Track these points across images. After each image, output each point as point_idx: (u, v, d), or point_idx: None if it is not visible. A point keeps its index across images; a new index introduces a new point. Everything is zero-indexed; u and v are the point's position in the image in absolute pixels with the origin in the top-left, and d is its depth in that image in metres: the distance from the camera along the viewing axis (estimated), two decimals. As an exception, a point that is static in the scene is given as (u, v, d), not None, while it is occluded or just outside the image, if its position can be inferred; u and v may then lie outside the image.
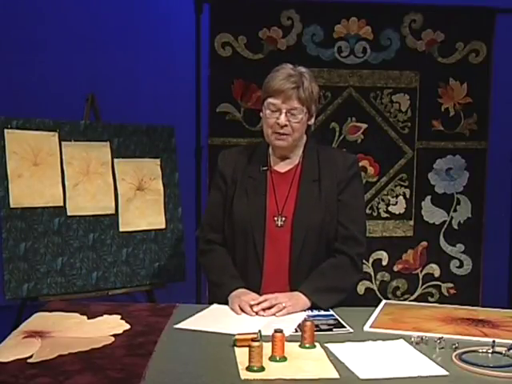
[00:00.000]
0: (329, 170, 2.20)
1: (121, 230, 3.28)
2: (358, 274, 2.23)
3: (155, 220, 3.39)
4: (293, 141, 2.17)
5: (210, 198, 2.37)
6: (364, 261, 3.57)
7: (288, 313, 2.00)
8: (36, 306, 2.20)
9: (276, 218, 2.18)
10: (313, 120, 2.22)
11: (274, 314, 1.99)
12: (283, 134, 2.14)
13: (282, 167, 2.24)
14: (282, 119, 2.11)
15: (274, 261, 2.18)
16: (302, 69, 2.18)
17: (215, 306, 2.12)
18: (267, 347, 1.59)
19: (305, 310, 2.05)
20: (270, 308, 2.00)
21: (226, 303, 2.10)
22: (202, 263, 2.38)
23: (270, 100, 2.13)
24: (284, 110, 2.11)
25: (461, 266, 3.77)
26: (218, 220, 2.28)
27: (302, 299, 2.07)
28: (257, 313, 1.99)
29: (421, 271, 3.76)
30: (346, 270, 2.17)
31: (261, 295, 2.09)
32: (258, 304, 2.01)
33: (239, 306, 2.03)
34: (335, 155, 2.27)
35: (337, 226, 2.19)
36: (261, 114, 2.21)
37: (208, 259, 2.30)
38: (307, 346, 1.70)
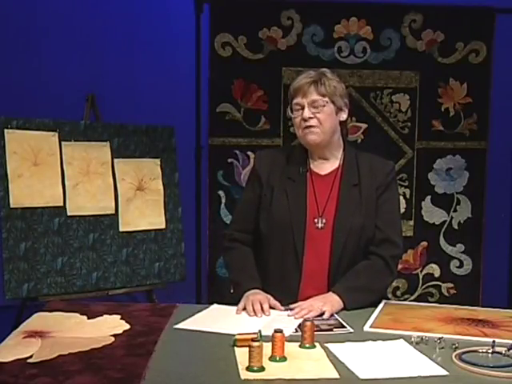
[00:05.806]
0: (368, 175, 2.21)
1: (121, 229, 3.28)
2: (391, 276, 2.24)
3: (155, 220, 3.39)
4: (323, 134, 2.15)
5: (243, 198, 2.37)
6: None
7: (329, 315, 1.99)
8: (36, 306, 2.20)
9: (316, 220, 2.17)
10: (345, 116, 2.21)
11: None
12: (311, 127, 2.14)
13: (322, 170, 2.23)
14: (306, 112, 2.13)
15: (314, 262, 2.17)
16: (324, 69, 2.21)
17: (215, 305, 2.12)
18: (267, 347, 1.59)
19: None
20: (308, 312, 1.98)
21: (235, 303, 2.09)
22: (224, 260, 2.46)
23: (294, 100, 2.17)
24: (306, 105, 2.14)
25: (461, 266, 3.77)
26: (247, 220, 2.27)
27: (335, 300, 2.05)
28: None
29: (421, 271, 3.76)
30: (379, 271, 2.17)
31: (299, 296, 2.12)
32: (296, 313, 1.98)
33: (244, 304, 2.03)
34: (374, 161, 2.26)
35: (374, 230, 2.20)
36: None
37: (230, 257, 2.31)
38: (307, 345, 1.70)
